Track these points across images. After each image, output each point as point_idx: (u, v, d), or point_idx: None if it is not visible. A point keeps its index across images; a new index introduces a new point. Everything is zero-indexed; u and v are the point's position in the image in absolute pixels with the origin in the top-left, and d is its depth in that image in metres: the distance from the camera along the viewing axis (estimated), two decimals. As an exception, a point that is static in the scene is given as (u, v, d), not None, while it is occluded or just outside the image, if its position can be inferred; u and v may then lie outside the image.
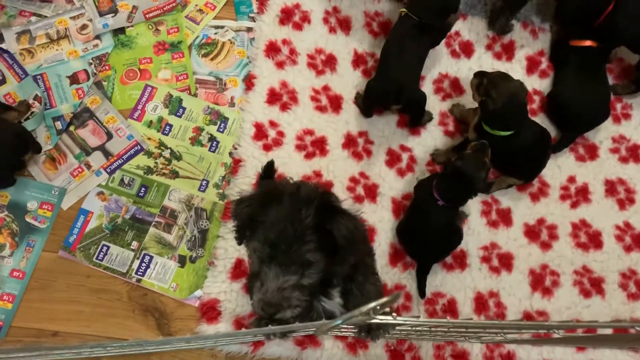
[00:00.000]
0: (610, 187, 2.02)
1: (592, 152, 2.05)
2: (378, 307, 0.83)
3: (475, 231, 1.91)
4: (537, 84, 2.11)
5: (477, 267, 1.87)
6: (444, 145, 1.99)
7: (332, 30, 2.07)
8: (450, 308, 1.82)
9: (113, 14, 2.01)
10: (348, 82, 2.02)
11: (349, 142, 1.95)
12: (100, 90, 1.92)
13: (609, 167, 2.05)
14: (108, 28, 1.99)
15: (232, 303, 1.73)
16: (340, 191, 1.89)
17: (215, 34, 2.05)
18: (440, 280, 1.84)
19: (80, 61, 1.94)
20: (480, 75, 1.83)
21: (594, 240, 1.96)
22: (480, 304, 1.83)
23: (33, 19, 1.98)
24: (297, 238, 1.12)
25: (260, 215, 1.17)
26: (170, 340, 1.47)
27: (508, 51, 2.12)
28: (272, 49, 2.01)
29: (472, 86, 1.86)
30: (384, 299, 0.81)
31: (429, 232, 1.75)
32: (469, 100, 2.03)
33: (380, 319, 0.87)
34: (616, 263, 1.95)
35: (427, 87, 2.04)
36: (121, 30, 2.00)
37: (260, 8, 2.07)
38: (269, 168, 1.59)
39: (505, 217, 1.94)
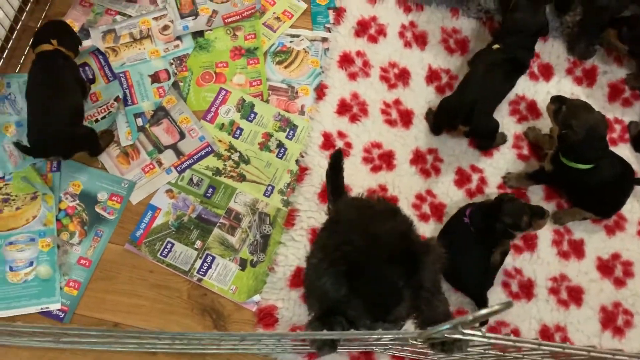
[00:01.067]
0: (694, 227, 1.90)
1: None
2: (471, 320, 0.79)
3: (545, 260, 1.83)
4: (619, 113, 2.02)
5: (544, 298, 1.79)
6: (516, 168, 1.92)
7: (407, 44, 2.05)
8: (513, 338, 1.74)
9: (194, 17, 2.06)
10: (420, 97, 1.99)
11: (418, 158, 1.91)
12: (177, 91, 1.96)
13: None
14: (188, 30, 2.04)
15: (290, 311, 1.72)
16: (405, 207, 1.85)
17: (291, 42, 2.07)
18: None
19: (162, 61, 1.99)
20: (558, 100, 1.77)
21: (673, 282, 1.84)
22: (546, 337, 1.74)
23: (118, 17, 2.05)
24: (394, 303, 1.12)
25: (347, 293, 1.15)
26: (226, 335, 1.45)
27: (589, 77, 2.05)
28: (345, 60, 2.01)
29: (549, 111, 1.79)
30: (494, 308, 0.76)
31: (459, 260, 1.67)
32: (545, 124, 1.97)
33: (469, 333, 0.82)
34: (696, 308, 1.82)
35: (503, 108, 1.98)
36: (200, 33, 2.05)
37: (337, 19, 2.08)
38: (337, 159, 1.55)
39: (577, 249, 1.85)
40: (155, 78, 1.97)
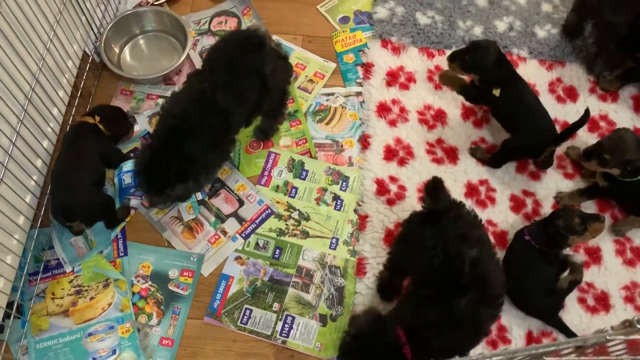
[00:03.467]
0: None
1: None
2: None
3: (613, 271, 1.87)
4: (648, 122, 2.13)
5: (621, 307, 1.82)
6: (565, 187, 1.99)
7: (437, 87, 2.16)
8: (601, 351, 1.75)
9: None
10: (461, 133, 2.08)
11: (471, 190, 1.98)
12: (229, 163, 2.02)
13: None
14: (228, 103, 2.12)
15: None
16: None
17: (327, 100, 2.16)
18: (586, 323, 1.79)
19: (209, 135, 2.06)
20: (593, 154, 1.82)
21: None
22: (634, 347, 1.76)
23: (160, 100, 2.13)
24: None
25: None
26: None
27: (612, 93, 2.16)
28: (383, 109, 2.10)
29: (595, 167, 1.84)
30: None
31: (524, 280, 1.76)
32: (581, 142, 2.06)
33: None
34: None
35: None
36: (241, 105, 2.13)
37: (366, 75, 2.19)
38: (436, 187, 1.53)
39: (641, 255, 1.90)
40: (205, 152, 2.04)
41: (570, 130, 1.85)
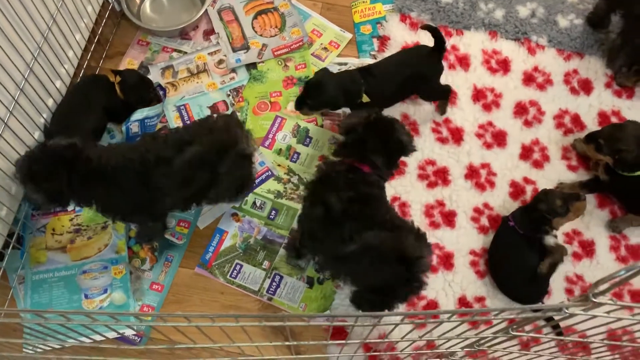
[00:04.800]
0: None
1: None
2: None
3: (605, 266, 1.86)
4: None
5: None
6: (567, 178, 1.98)
7: (451, 66, 2.15)
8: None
9: (245, 50, 2.17)
10: (469, 115, 2.07)
11: (472, 172, 1.98)
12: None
13: None
14: (240, 63, 2.14)
15: (359, 327, 1.75)
16: (464, 220, 1.91)
17: (339, 69, 2.16)
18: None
19: (219, 92, 2.09)
20: (591, 139, 1.84)
21: None
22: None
23: (174, 54, 2.16)
24: None
25: None
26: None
27: (627, 89, 2.13)
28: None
29: (591, 152, 1.86)
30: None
31: (507, 265, 1.80)
32: (590, 135, 2.04)
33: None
34: None
35: (547, 122, 2.06)
36: (253, 65, 2.15)
37: (381, 48, 2.18)
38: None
39: (635, 253, 1.88)
40: (214, 109, 2.07)
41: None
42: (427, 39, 2.17)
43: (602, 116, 2.08)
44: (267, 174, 1.97)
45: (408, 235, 1.46)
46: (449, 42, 2.19)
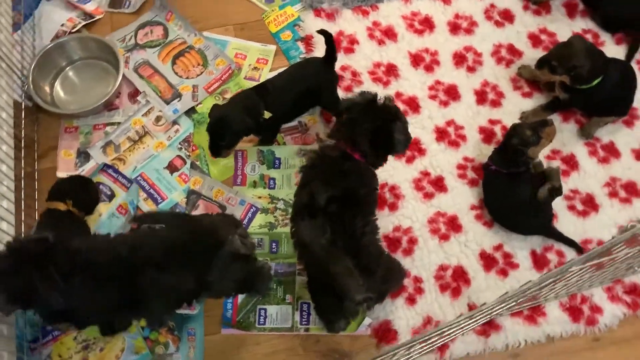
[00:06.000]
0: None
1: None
2: None
3: (591, 172, 1.94)
4: (584, 25, 2.18)
5: (608, 204, 1.90)
6: (527, 106, 2.04)
7: (380, 42, 2.15)
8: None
9: (178, 99, 2.08)
10: (416, 82, 2.09)
11: (441, 134, 2.00)
12: (197, 170, 1.96)
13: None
14: (179, 112, 2.05)
15: (403, 319, 1.74)
16: (452, 182, 1.93)
17: (278, 83, 2.12)
18: (581, 228, 1.86)
19: (170, 150, 1.99)
20: (544, 62, 1.88)
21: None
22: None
23: (108, 129, 2.03)
24: None
25: None
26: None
27: (545, 6, 2.21)
28: (335, 78, 2.08)
29: (546, 75, 1.91)
30: None
31: (505, 204, 1.84)
32: (530, 58, 2.10)
33: None
34: None
35: (487, 61, 2.12)
36: (193, 110, 2.06)
37: (308, 49, 2.16)
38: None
39: (612, 150, 1.98)
40: (172, 168, 1.97)
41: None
42: (348, 25, 2.18)
43: (533, 38, 2.16)
44: (252, 210, 1.91)
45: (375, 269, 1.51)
46: (369, 20, 2.20)
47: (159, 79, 2.11)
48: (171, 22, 2.22)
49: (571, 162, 1.96)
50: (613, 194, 1.91)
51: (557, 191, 1.82)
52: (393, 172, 1.94)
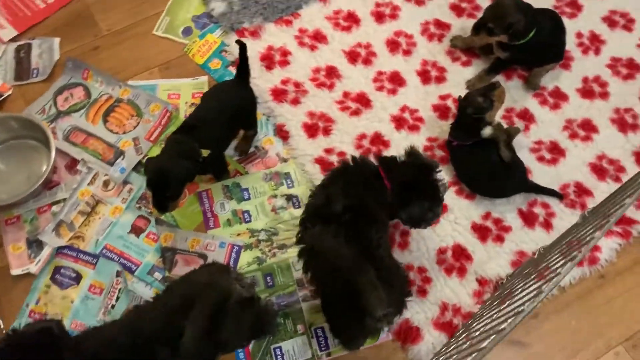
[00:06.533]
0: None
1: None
2: None
3: (547, 120, 1.99)
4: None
5: (572, 145, 1.95)
6: (470, 74, 2.07)
7: (313, 47, 2.11)
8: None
9: (122, 157, 1.93)
10: (359, 77, 2.06)
11: (398, 122, 1.98)
12: (164, 225, 1.83)
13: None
14: (126, 171, 1.90)
15: (420, 313, 1.69)
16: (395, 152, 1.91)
17: (221, 114, 2.02)
18: (555, 175, 1.90)
19: (129, 212, 1.84)
20: (480, 27, 1.89)
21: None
22: (601, 169, 1.90)
23: (54, 208, 1.85)
24: None
25: None
26: None
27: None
28: (278, 94, 2.01)
29: (484, 39, 1.94)
30: None
31: (478, 173, 1.86)
32: (458, 29, 2.14)
33: None
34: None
35: (419, 41, 2.13)
36: (140, 164, 1.92)
37: (240, 70, 2.07)
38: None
39: (559, 95, 2.04)
40: (136, 230, 1.82)
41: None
42: (275, 39, 2.13)
43: (455, 8, 2.20)
44: (234, 250, 1.79)
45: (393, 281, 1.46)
46: (294, 29, 2.15)
47: (94, 141, 1.95)
48: (90, 80, 2.06)
49: (527, 116, 2.00)
50: (573, 135, 1.97)
51: (509, 142, 1.84)
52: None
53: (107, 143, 1.95)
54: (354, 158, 1.59)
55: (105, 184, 1.89)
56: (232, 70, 2.09)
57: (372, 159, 1.63)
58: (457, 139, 1.85)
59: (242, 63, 1.76)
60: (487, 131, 1.83)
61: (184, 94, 2.06)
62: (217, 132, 1.73)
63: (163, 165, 1.60)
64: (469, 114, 1.79)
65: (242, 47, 1.73)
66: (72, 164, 1.93)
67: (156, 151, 1.89)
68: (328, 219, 1.44)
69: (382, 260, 1.44)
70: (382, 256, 1.44)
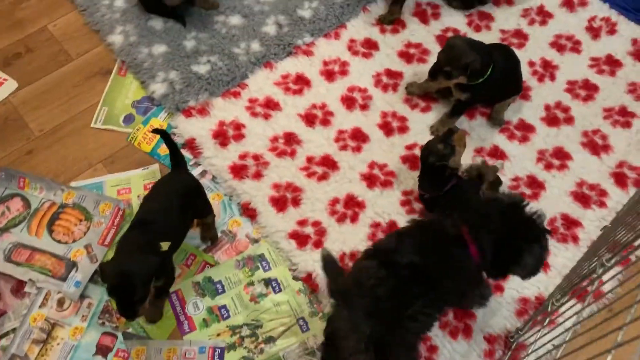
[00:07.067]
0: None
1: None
2: None
3: (520, 155, 1.94)
4: (441, 24, 2.23)
5: (549, 176, 1.90)
6: (432, 120, 2.00)
7: (266, 116, 1.99)
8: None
9: (74, 269, 1.72)
10: (321, 142, 1.95)
11: (370, 180, 1.87)
12: (133, 339, 1.62)
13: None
14: (81, 284, 1.69)
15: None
16: (404, 220, 1.79)
17: (179, 202, 1.86)
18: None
19: (91, 330, 1.62)
20: (436, 72, 1.84)
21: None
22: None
23: (3, 342, 1.61)
24: None
25: None
26: None
27: (398, 22, 2.22)
28: (237, 170, 1.88)
29: (443, 82, 1.86)
30: None
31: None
32: (411, 75, 2.08)
33: None
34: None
35: (374, 93, 2.06)
36: (97, 274, 1.71)
37: (195, 153, 1.93)
38: (330, 263, 1.41)
39: (524, 127, 1.99)
40: (103, 350, 1.60)
41: None
42: (225, 113, 2.02)
43: (403, 55, 2.15)
44: (217, 353, 1.60)
45: None
46: (244, 100, 2.03)
47: (41, 257, 1.74)
48: (28, 189, 1.86)
49: (498, 154, 1.93)
50: (549, 166, 1.91)
51: (494, 184, 1.77)
52: (344, 237, 1.76)
53: (56, 256, 1.74)
54: (433, 220, 1.44)
55: (60, 302, 1.67)
56: (185, 152, 1.94)
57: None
58: (427, 191, 1.76)
59: (172, 151, 1.62)
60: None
61: (135, 186, 1.89)
62: (175, 223, 1.57)
63: (123, 266, 1.40)
64: (432, 163, 1.70)
65: (163, 135, 1.60)
66: (18, 287, 1.70)
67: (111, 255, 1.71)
68: (388, 264, 1.30)
69: (404, 334, 1.29)
70: (407, 329, 1.29)
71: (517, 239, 1.33)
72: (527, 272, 1.37)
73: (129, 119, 2.04)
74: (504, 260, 1.35)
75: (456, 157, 1.73)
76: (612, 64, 2.12)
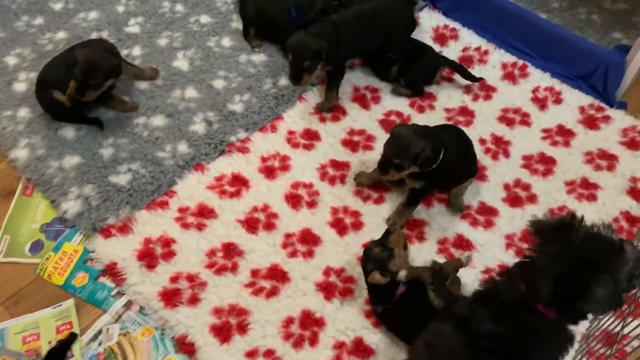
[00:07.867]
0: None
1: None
2: None
3: (487, 241, 1.75)
4: (382, 108, 2.09)
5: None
6: (387, 211, 1.80)
7: (200, 226, 1.73)
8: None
9: None
10: (267, 251, 1.70)
11: (327, 290, 1.62)
12: None
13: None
14: None
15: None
16: (372, 336, 1.54)
17: (100, 344, 1.54)
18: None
19: None
20: (386, 165, 1.65)
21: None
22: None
23: None
24: None
25: None
26: None
27: (338, 109, 2.06)
28: (170, 297, 1.59)
29: (395, 176, 1.68)
30: None
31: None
32: (358, 164, 1.91)
33: None
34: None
35: (322, 188, 1.85)
36: None
37: (118, 281, 1.65)
38: None
39: (485, 210, 1.82)
40: None
41: None
42: (152, 228, 1.75)
43: (347, 143, 1.98)
44: None
45: None
46: (172, 210, 1.78)
47: None
48: None
49: (464, 244, 1.75)
50: (520, 252, 1.73)
51: (437, 281, 1.54)
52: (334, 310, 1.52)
53: None
54: (489, 289, 1.25)
55: None
56: (105, 280, 1.64)
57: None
58: (377, 303, 1.56)
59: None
60: (402, 274, 1.53)
61: (45, 330, 1.55)
62: None
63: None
64: (371, 270, 1.51)
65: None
66: None
67: None
68: (462, 328, 1.15)
69: None
70: None
71: (578, 271, 1.06)
72: (604, 305, 1.08)
73: (36, 247, 1.72)
74: (573, 298, 1.08)
75: (397, 260, 1.53)
76: (564, 134, 2.02)
